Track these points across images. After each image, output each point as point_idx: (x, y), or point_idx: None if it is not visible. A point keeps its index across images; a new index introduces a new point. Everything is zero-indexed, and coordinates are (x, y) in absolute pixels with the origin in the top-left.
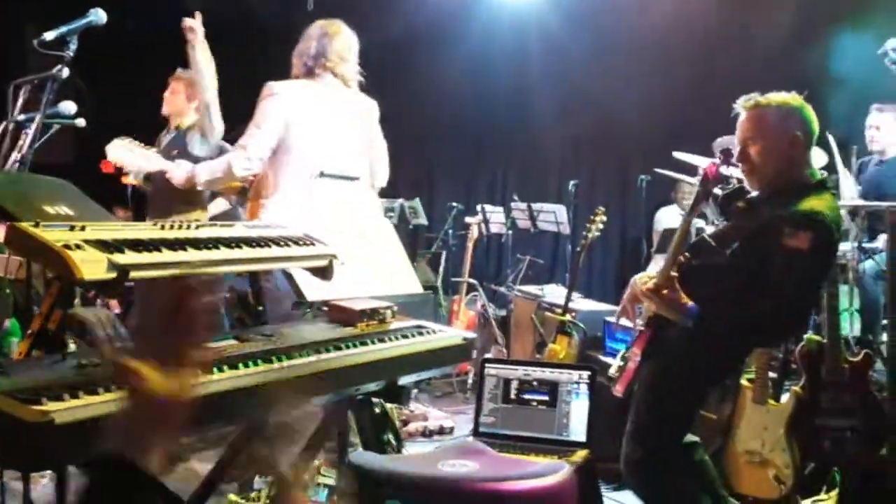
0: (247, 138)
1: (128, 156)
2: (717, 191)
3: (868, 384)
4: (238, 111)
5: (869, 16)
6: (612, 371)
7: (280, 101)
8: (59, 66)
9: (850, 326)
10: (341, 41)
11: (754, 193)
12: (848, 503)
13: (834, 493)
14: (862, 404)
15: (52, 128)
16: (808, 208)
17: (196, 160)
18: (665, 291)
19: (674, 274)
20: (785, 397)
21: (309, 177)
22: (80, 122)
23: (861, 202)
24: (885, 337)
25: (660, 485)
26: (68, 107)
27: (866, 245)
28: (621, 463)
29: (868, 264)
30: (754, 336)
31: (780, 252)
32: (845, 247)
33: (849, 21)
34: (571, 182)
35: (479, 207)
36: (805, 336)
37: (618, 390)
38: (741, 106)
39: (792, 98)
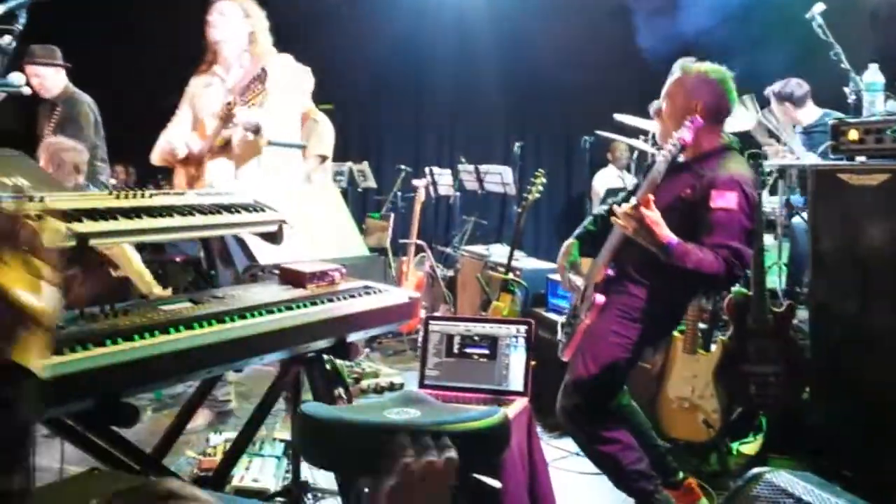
0: None
1: None
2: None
3: (791, 333)
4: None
5: None
6: (560, 336)
7: None
8: (9, 40)
9: (779, 279)
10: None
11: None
12: (772, 444)
13: (760, 436)
14: (785, 352)
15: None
16: (727, 171)
17: None
18: (649, 213)
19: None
20: (714, 347)
21: None
22: (26, 90)
23: (797, 161)
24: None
25: (595, 431)
26: (17, 78)
27: (794, 199)
28: (557, 411)
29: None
30: (700, 289)
31: (711, 214)
32: (774, 203)
33: None
34: (517, 143)
35: (426, 170)
36: (733, 289)
37: (566, 355)
38: (676, 66)
39: (713, 70)
